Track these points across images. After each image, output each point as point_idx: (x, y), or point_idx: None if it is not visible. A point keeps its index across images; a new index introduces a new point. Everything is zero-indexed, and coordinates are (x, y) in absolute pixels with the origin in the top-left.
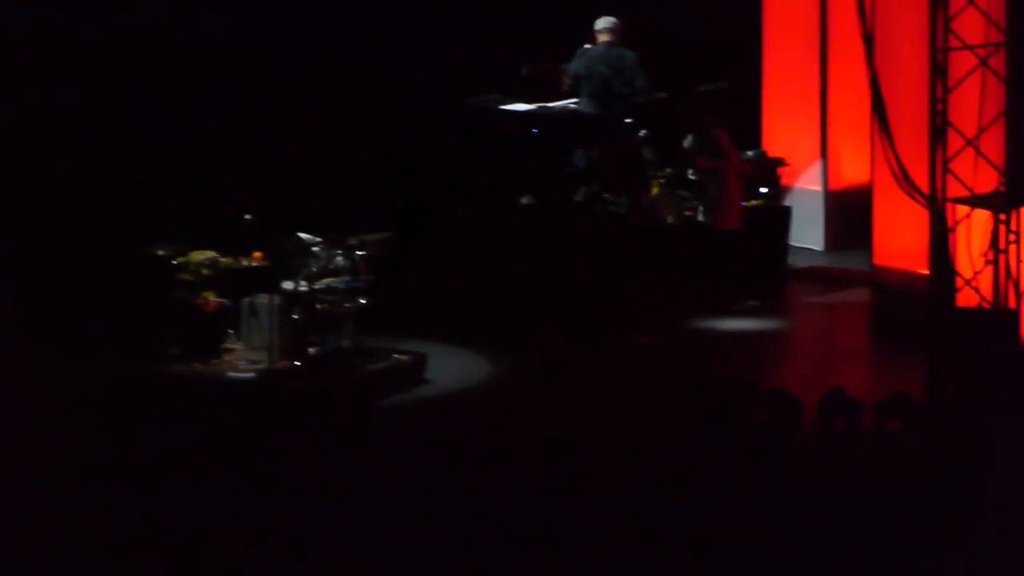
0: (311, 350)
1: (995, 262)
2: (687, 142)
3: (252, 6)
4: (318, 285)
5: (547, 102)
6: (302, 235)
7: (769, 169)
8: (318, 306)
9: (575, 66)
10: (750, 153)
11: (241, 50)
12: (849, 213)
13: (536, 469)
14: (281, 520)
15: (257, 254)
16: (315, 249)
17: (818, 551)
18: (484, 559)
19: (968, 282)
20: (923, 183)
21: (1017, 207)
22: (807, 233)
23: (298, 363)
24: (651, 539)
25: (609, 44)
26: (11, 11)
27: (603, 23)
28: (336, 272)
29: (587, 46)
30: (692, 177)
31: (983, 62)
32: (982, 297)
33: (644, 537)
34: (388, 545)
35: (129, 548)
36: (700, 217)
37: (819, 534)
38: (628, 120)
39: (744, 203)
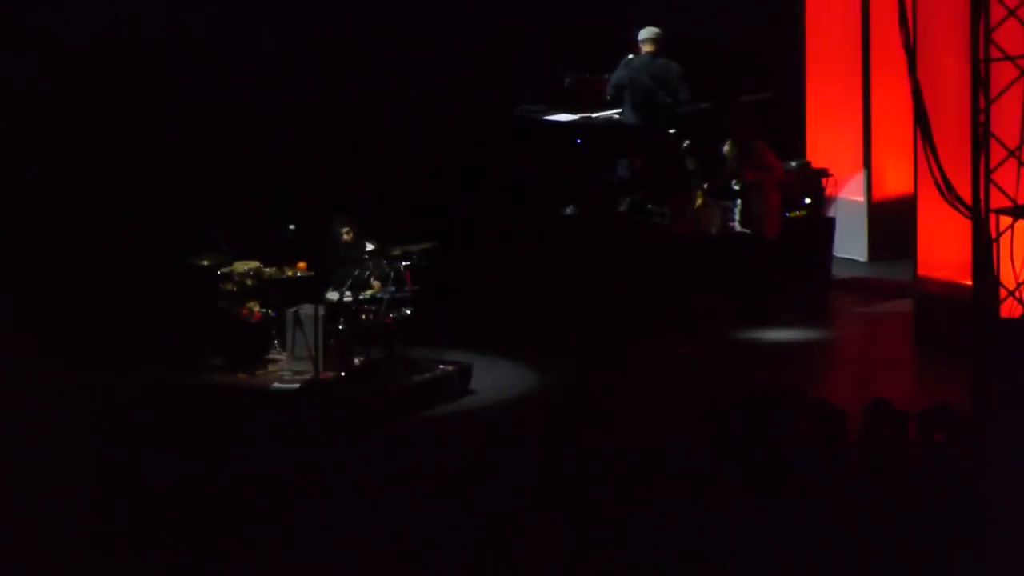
0: (356, 361)
1: None
2: (726, 151)
3: (292, 11)
4: (362, 295)
5: (591, 112)
6: (346, 245)
7: (813, 180)
8: (362, 316)
9: (618, 76)
10: (794, 164)
11: (284, 59)
12: (892, 224)
13: (581, 479)
14: (324, 529)
15: (301, 264)
16: (360, 259)
17: (868, 560)
18: (527, 568)
19: (1012, 292)
20: (966, 193)
21: None
22: (850, 244)
23: (343, 374)
24: (698, 549)
25: (652, 54)
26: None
27: (646, 33)
28: (380, 282)
29: (630, 56)
30: (735, 187)
31: None
32: None
33: (691, 547)
34: (430, 555)
35: (176, 560)
36: (740, 227)
37: (868, 543)
38: (671, 130)
39: (787, 214)
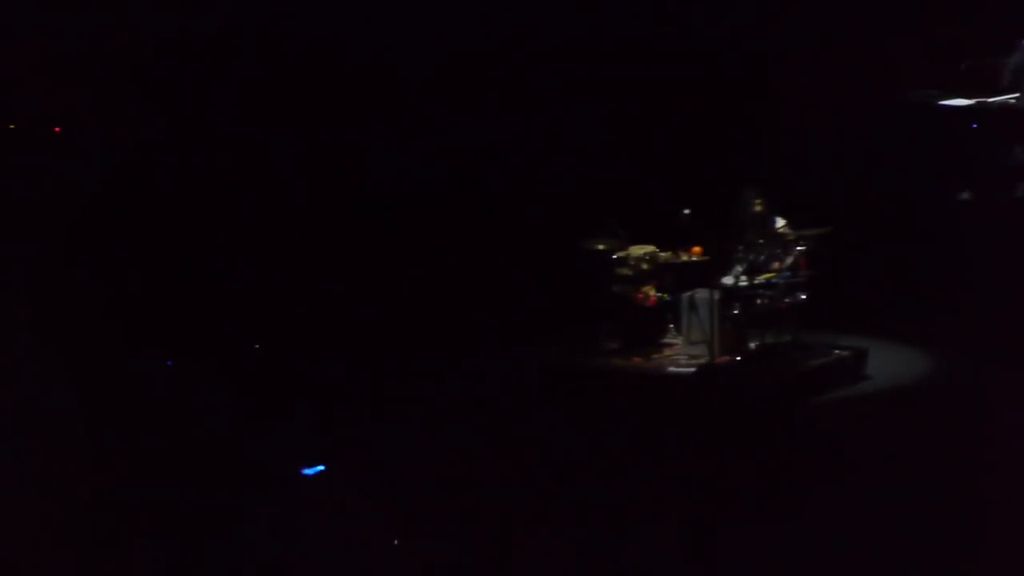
0: (751, 345)
1: None
2: None
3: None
4: (757, 280)
5: (986, 97)
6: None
7: None
8: (757, 301)
9: (1016, 60)
10: None
11: (682, 47)
12: None
13: (978, 469)
14: (718, 513)
15: (696, 249)
16: (756, 245)
17: None
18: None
19: None
20: None
21: None
22: None
23: (738, 358)
24: None
25: None
26: None
27: None
28: (776, 267)
29: None
30: None
31: None
32: None
33: None
34: (816, 541)
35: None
36: None
37: None
38: None
39: None
